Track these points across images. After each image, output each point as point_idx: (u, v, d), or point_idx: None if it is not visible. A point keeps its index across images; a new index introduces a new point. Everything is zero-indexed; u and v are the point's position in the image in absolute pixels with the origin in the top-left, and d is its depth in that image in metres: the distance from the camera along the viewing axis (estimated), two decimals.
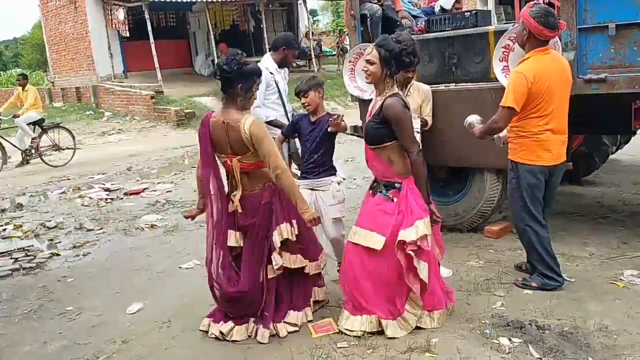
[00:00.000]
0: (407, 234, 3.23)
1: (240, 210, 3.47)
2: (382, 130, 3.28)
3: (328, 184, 4.05)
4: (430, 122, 4.79)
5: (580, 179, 6.51)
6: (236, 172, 3.43)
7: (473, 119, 4.06)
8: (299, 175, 4.19)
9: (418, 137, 4.50)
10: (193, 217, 3.76)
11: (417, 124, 4.56)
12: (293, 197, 3.41)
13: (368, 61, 3.25)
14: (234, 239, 3.50)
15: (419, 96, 4.74)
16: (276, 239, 3.41)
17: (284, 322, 3.50)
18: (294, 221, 3.49)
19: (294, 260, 3.53)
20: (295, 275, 3.61)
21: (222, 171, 3.52)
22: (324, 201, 4.04)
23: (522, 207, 3.82)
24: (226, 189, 3.56)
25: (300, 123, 4.19)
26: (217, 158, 3.48)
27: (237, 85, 3.34)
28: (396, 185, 3.35)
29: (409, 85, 4.72)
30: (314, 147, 4.07)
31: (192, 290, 4.36)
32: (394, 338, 3.31)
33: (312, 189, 4.08)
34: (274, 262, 3.46)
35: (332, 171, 4.11)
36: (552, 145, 3.71)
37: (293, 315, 3.54)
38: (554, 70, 3.65)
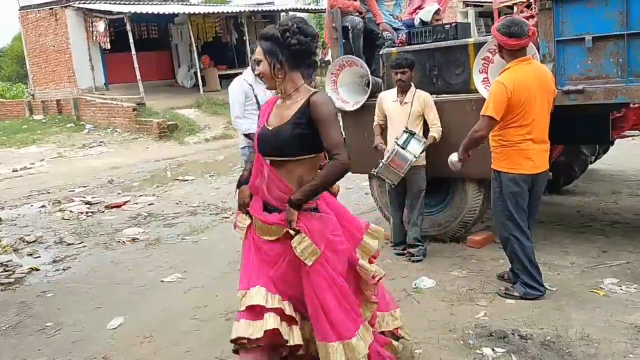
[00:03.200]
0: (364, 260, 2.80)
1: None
2: (305, 138, 2.57)
3: None
4: (438, 134, 4.68)
5: (560, 188, 6.58)
6: None
7: (456, 157, 4.04)
8: None
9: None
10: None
11: (414, 147, 4.55)
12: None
13: (256, 62, 2.66)
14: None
15: (419, 105, 4.68)
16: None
17: None
18: None
19: None
20: None
21: None
22: None
23: (507, 216, 3.85)
24: None
25: None
26: None
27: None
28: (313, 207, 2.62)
29: (408, 93, 4.72)
30: None
31: (174, 304, 4.32)
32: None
33: None
34: None
35: None
36: (533, 154, 3.76)
37: None
38: (534, 80, 3.70)
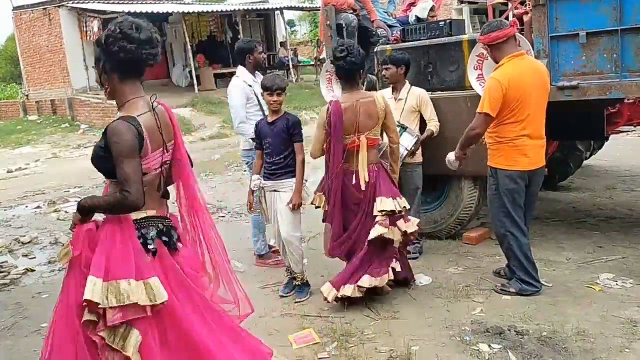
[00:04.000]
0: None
1: (360, 183, 3.84)
2: (105, 161, 2.33)
3: (288, 186, 4.08)
4: (435, 128, 4.66)
5: (555, 184, 6.60)
6: (363, 148, 3.82)
7: (453, 156, 4.03)
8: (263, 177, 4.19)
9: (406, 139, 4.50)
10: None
11: (407, 140, 4.53)
12: (396, 167, 4.06)
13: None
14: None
15: (414, 100, 4.66)
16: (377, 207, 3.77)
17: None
18: (398, 198, 3.86)
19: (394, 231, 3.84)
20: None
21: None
22: (282, 201, 4.07)
23: (504, 213, 3.84)
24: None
25: (259, 128, 4.20)
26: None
27: (361, 70, 3.91)
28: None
29: (402, 90, 4.69)
30: (276, 149, 4.09)
31: None
32: (375, 348, 3.30)
33: (274, 190, 4.12)
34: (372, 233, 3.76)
35: (294, 173, 4.11)
36: (530, 150, 3.75)
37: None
38: (529, 75, 3.70)
